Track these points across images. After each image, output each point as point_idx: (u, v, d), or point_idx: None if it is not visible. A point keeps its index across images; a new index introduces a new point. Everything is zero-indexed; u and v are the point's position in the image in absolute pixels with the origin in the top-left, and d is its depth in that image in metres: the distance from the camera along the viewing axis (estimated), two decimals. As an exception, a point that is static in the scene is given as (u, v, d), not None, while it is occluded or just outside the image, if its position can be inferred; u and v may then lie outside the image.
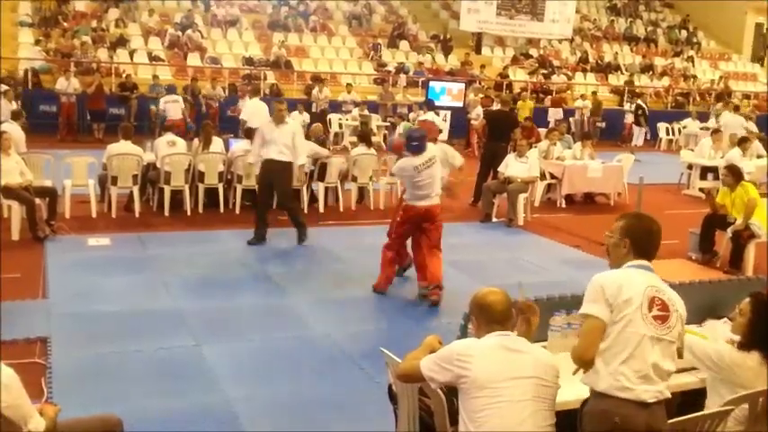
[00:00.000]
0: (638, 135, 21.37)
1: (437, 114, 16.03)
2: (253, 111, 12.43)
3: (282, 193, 8.78)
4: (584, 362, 3.01)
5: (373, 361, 5.16)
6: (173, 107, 16.17)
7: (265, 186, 8.72)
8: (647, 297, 3.04)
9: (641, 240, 3.17)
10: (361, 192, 11.41)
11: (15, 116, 11.65)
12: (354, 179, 11.03)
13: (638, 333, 2.99)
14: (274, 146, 8.50)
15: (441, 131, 12.79)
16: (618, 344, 2.99)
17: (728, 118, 17.88)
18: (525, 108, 18.98)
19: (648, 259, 3.17)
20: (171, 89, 16.97)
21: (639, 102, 21.90)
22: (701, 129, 19.77)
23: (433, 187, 6.90)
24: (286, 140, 8.52)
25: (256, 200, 9.17)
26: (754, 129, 17.48)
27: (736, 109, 19.81)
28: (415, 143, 6.80)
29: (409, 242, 7.29)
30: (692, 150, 15.50)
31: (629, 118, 21.79)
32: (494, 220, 10.59)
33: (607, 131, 21.51)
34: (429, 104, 16.63)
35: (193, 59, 20.59)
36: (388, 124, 18.86)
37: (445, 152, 8.89)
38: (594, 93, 22.21)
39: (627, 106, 22.54)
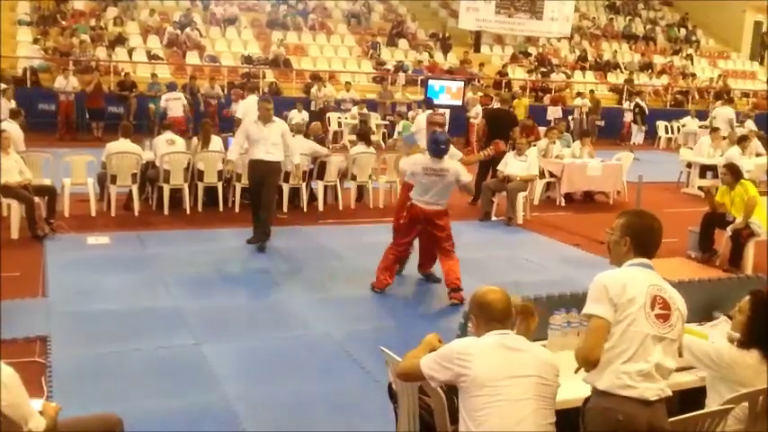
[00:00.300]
0: (637, 133, 21.40)
1: (436, 113, 16.02)
2: (248, 108, 12.39)
3: (269, 192, 8.57)
4: (590, 362, 3.00)
5: (373, 360, 5.17)
6: (174, 104, 16.18)
7: (257, 186, 8.55)
8: (649, 296, 3.04)
9: (642, 238, 3.16)
10: (361, 190, 11.41)
11: (14, 115, 11.65)
12: (353, 178, 11.03)
13: (641, 332, 2.99)
14: (262, 145, 8.33)
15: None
16: (621, 343, 2.99)
17: (719, 110, 18.28)
18: (521, 106, 18.95)
19: (649, 257, 3.17)
20: (172, 86, 16.95)
21: (638, 100, 21.90)
22: (700, 127, 19.80)
23: (437, 196, 6.87)
24: (275, 139, 8.37)
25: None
26: (753, 126, 17.52)
27: (730, 102, 19.97)
28: (442, 146, 6.80)
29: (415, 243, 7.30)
30: (691, 149, 15.51)
31: (628, 116, 21.80)
32: (493, 218, 10.58)
33: (606, 130, 21.54)
34: (428, 103, 16.60)
35: (192, 58, 20.58)
36: (387, 123, 18.88)
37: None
38: (593, 91, 22.21)
39: (626, 105, 22.52)
